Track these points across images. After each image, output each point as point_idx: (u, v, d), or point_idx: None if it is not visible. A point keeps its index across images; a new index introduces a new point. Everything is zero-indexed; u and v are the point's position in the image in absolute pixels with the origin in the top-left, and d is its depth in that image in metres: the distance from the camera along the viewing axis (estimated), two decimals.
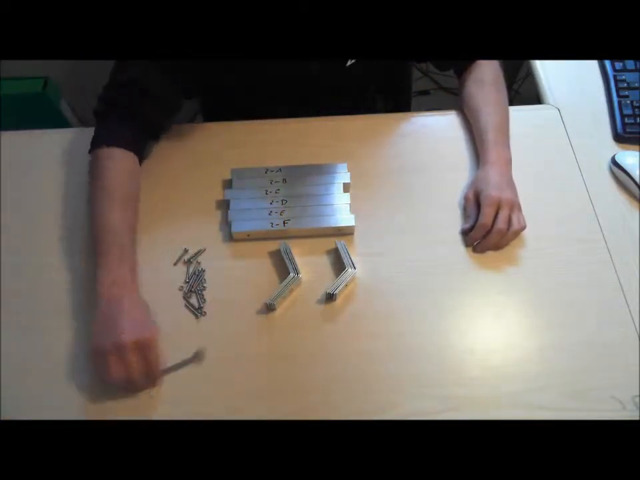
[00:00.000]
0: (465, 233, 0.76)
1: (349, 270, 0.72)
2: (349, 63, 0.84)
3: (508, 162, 0.79)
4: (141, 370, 0.63)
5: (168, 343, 0.68)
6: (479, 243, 0.75)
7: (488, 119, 0.81)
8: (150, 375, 0.64)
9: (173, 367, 0.66)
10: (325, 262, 0.75)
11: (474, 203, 0.77)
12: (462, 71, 0.89)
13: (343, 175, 0.80)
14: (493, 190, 0.75)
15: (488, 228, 0.73)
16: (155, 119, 0.80)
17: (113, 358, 0.62)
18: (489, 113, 0.82)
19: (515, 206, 0.75)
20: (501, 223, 0.73)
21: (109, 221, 0.71)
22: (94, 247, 0.70)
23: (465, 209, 0.78)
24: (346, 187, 0.79)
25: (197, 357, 0.67)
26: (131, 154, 0.76)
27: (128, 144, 0.76)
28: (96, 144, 0.76)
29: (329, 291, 0.70)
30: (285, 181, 0.79)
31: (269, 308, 0.71)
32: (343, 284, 0.71)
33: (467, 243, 0.76)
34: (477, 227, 0.74)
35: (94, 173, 0.75)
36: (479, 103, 0.83)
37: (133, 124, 0.77)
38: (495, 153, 0.78)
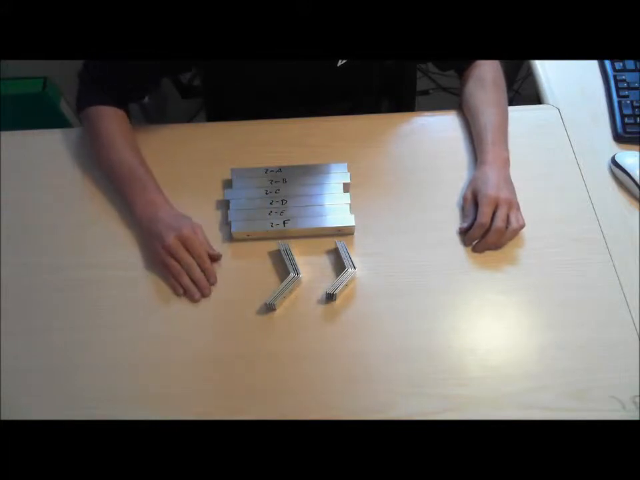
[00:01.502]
0: (463, 233, 0.76)
1: (349, 270, 0.72)
2: (339, 63, 0.84)
3: (506, 162, 0.78)
4: (194, 260, 0.72)
5: (168, 342, 0.68)
6: (478, 242, 0.75)
7: (487, 118, 0.81)
8: (202, 263, 0.72)
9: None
10: (324, 262, 0.75)
11: (472, 202, 0.77)
12: (463, 70, 0.89)
13: (342, 175, 0.80)
14: (491, 189, 0.75)
15: (486, 227, 0.74)
16: (135, 93, 0.85)
17: (168, 261, 0.71)
18: (488, 113, 0.82)
19: (513, 205, 0.75)
20: (499, 222, 0.73)
21: (120, 159, 0.77)
22: (114, 187, 0.78)
23: (463, 209, 0.78)
24: (346, 187, 0.79)
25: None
26: (120, 111, 0.82)
27: (116, 103, 0.81)
28: (85, 102, 0.81)
29: (328, 291, 0.70)
30: (284, 181, 0.79)
31: (269, 308, 0.71)
32: (343, 284, 0.71)
33: (466, 242, 0.76)
34: (475, 226, 0.74)
35: (92, 127, 0.80)
36: (479, 102, 0.83)
37: (113, 92, 0.81)
38: (492, 153, 0.78)
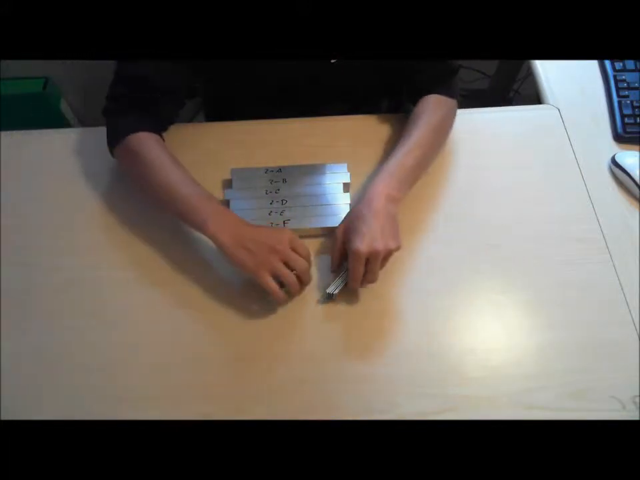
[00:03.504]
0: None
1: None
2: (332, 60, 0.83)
3: (393, 200, 0.70)
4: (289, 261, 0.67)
5: (169, 342, 0.68)
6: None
7: (404, 150, 0.74)
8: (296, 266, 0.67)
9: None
10: (324, 262, 0.75)
11: (341, 249, 0.70)
12: (415, 102, 0.82)
13: (342, 175, 0.80)
14: (363, 242, 0.66)
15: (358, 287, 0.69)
16: (166, 112, 0.80)
17: (260, 258, 0.65)
18: (397, 154, 0.74)
19: (388, 253, 0.68)
20: (371, 278, 0.68)
21: (170, 181, 0.70)
22: (173, 213, 0.71)
23: (331, 248, 0.72)
24: (346, 187, 0.79)
25: None
26: (157, 135, 0.76)
27: (151, 129, 0.75)
28: (120, 135, 0.74)
29: (328, 290, 0.70)
30: (284, 181, 0.79)
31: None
32: (343, 284, 0.71)
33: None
34: (349, 285, 0.70)
35: (131, 160, 0.73)
36: (400, 141, 0.77)
37: (148, 117, 0.76)
38: (382, 185, 0.71)
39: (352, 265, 0.67)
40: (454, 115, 0.82)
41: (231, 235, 0.67)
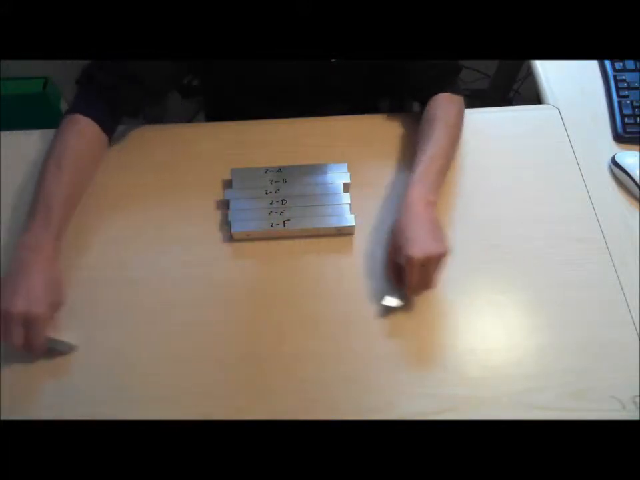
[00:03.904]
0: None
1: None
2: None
3: (430, 204, 0.71)
4: (22, 341, 0.63)
5: (169, 342, 0.68)
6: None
7: (428, 155, 0.74)
8: (28, 349, 0.64)
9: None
10: (324, 262, 0.75)
11: (394, 265, 0.69)
12: (425, 103, 0.82)
13: (342, 175, 0.80)
14: (416, 248, 0.65)
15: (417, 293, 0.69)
16: (134, 102, 0.80)
17: (1, 322, 0.63)
18: (423, 160, 0.74)
19: (441, 258, 0.67)
20: (429, 285, 0.68)
21: (46, 185, 0.71)
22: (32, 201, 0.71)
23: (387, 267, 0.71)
24: (346, 187, 0.79)
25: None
26: (97, 127, 0.77)
27: (99, 118, 0.76)
28: (68, 111, 0.77)
29: (387, 303, 0.69)
30: (284, 181, 0.79)
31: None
32: (400, 294, 0.70)
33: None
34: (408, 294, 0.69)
35: (54, 138, 0.76)
36: (421, 147, 0.76)
37: (109, 102, 0.77)
38: (417, 192, 0.71)
39: (408, 273, 0.66)
40: (464, 110, 0.83)
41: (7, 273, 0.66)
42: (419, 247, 0.65)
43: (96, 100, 0.77)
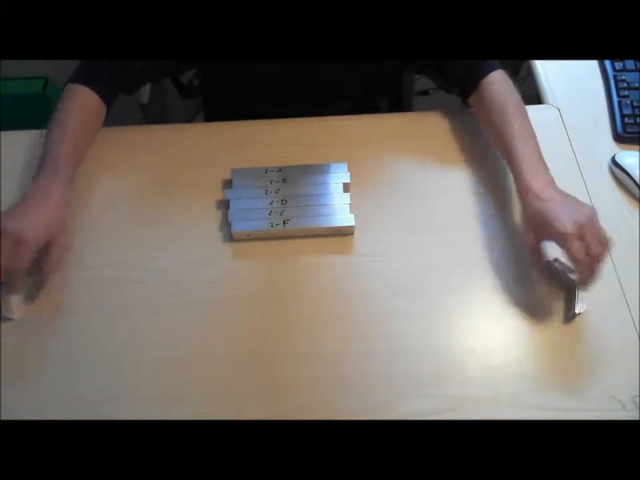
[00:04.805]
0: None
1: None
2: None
3: (552, 182, 0.69)
4: (6, 262, 0.66)
5: (169, 342, 0.68)
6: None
7: (520, 153, 0.72)
8: (8, 272, 0.67)
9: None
10: (324, 262, 0.75)
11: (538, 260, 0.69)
12: (468, 94, 0.82)
13: (342, 175, 0.80)
14: (567, 222, 0.63)
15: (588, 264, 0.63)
16: (131, 80, 0.84)
17: None
18: (519, 147, 0.73)
19: (594, 220, 0.64)
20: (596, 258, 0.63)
21: (52, 144, 0.75)
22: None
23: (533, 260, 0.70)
24: (346, 187, 0.79)
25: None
26: (97, 98, 0.79)
27: (98, 89, 0.79)
28: (70, 80, 0.80)
29: (577, 311, 0.68)
30: (284, 181, 0.79)
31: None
32: (584, 300, 0.69)
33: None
34: (580, 268, 0.64)
35: (57, 107, 0.79)
36: (509, 137, 0.74)
37: (108, 74, 0.80)
38: (537, 179, 0.69)
39: (570, 254, 0.62)
40: (508, 77, 0.81)
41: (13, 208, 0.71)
42: (563, 221, 0.63)
43: (95, 72, 0.80)
